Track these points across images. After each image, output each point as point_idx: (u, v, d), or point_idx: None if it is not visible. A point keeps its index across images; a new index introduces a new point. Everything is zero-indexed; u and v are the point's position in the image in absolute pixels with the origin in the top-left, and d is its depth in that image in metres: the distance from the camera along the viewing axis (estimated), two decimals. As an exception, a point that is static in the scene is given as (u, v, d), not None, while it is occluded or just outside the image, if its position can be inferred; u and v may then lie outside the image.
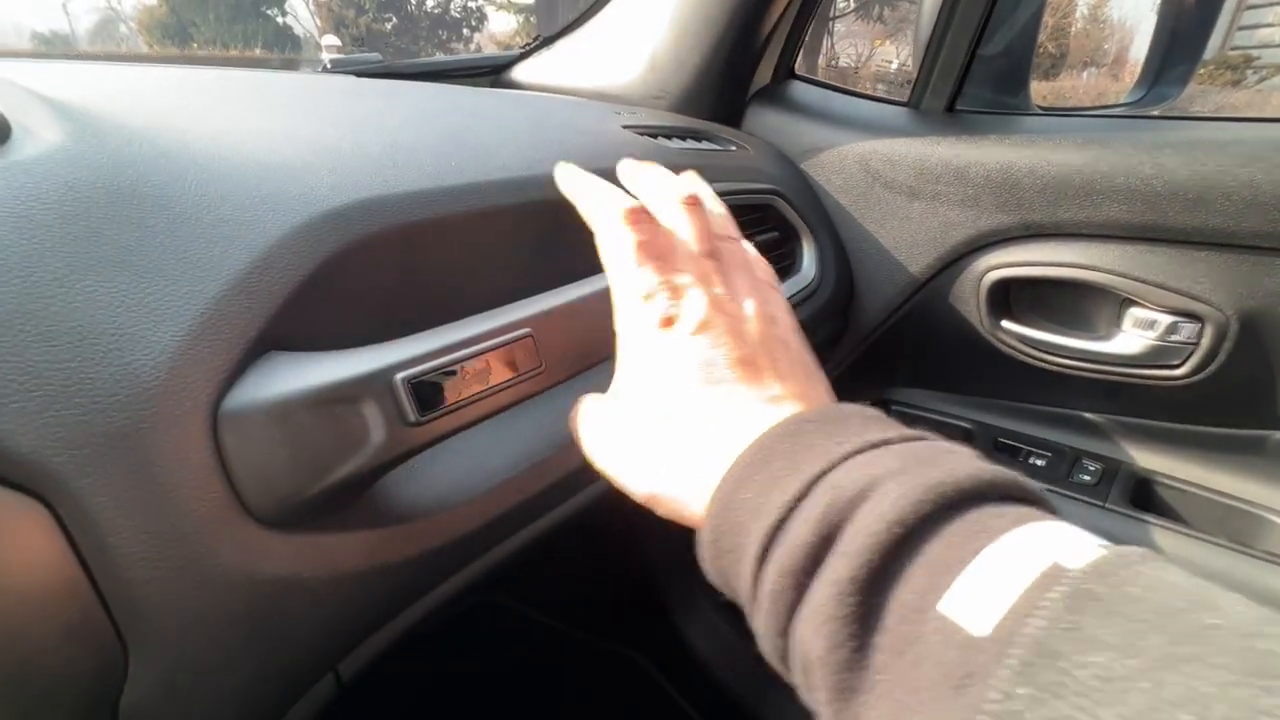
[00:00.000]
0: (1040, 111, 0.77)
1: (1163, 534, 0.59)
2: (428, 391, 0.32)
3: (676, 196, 0.31)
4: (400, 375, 0.31)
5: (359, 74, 0.77)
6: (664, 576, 1.09)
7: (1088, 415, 0.67)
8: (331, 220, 0.34)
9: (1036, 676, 0.13)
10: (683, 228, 0.30)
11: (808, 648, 0.18)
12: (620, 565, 1.10)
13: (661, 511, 0.26)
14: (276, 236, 0.32)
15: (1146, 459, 0.64)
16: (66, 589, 0.22)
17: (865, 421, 0.22)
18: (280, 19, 12.49)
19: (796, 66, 0.84)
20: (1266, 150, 0.51)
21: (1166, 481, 0.63)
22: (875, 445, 0.20)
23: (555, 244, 0.50)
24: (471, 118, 0.57)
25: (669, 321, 0.27)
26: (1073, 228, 0.60)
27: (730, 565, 0.21)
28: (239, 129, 0.40)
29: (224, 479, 0.27)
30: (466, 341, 0.34)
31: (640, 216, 0.29)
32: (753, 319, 0.28)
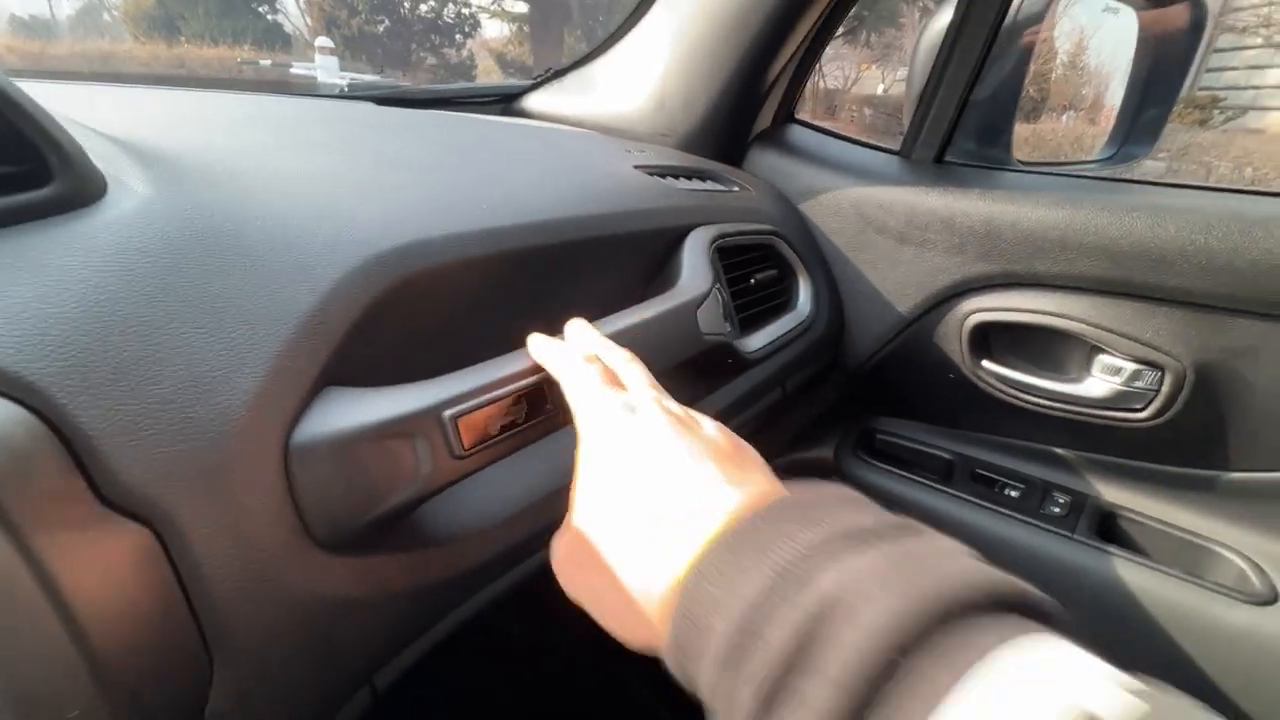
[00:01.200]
0: (1022, 166, 0.82)
1: (1124, 565, 0.64)
2: (471, 426, 0.35)
3: (621, 354, 0.35)
4: (448, 412, 0.34)
5: (379, 100, 0.80)
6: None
7: (1059, 451, 0.72)
8: (381, 262, 0.37)
9: None
10: (631, 372, 0.34)
11: None
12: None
13: (627, 634, 0.26)
14: (336, 278, 0.35)
15: (1112, 494, 0.69)
16: (167, 607, 0.25)
17: (842, 504, 0.20)
18: (271, 16, 12.40)
19: (796, 109, 0.89)
20: (1220, 219, 0.56)
21: (1130, 515, 0.68)
22: (853, 535, 0.19)
23: (581, 280, 0.53)
24: (498, 157, 0.60)
25: (631, 409, 0.28)
26: (1048, 279, 0.65)
27: (692, 667, 0.19)
28: (290, 170, 0.43)
29: (293, 507, 0.30)
30: (502, 380, 0.37)
31: (596, 359, 0.33)
32: (704, 424, 0.29)
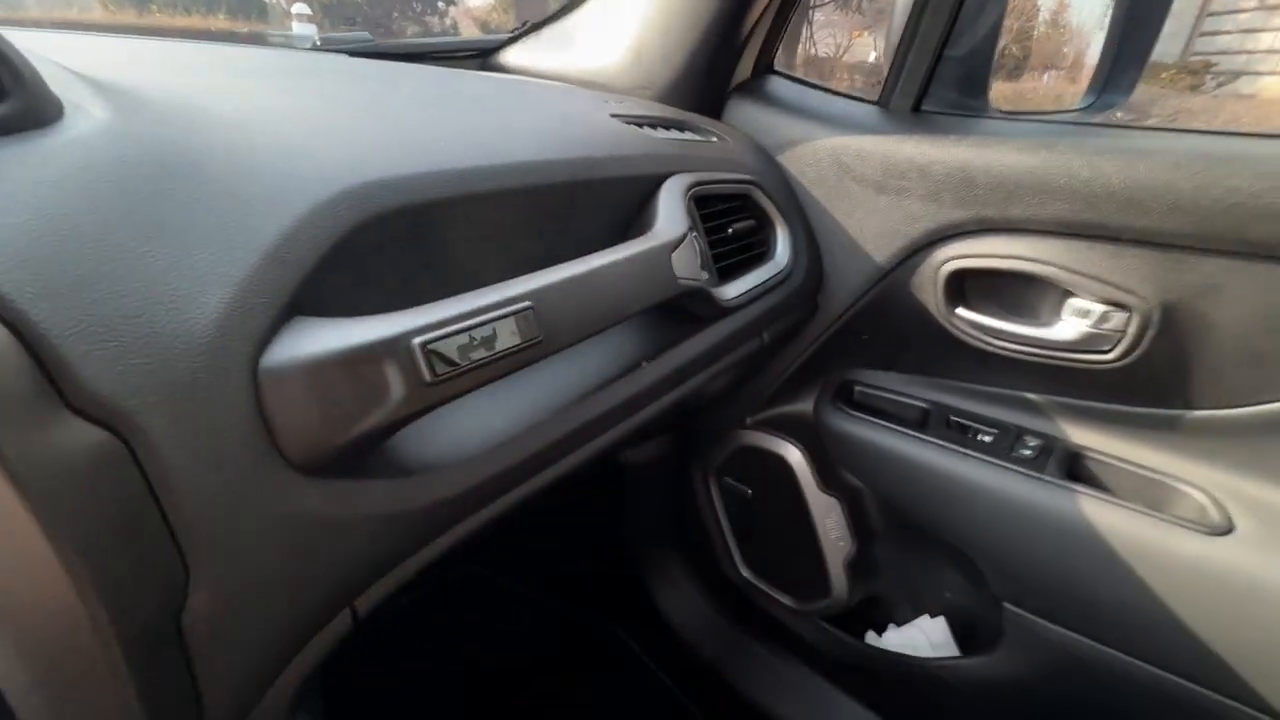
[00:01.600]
0: (999, 114, 0.82)
1: (1089, 502, 0.66)
2: (441, 355, 0.36)
3: None
4: (417, 340, 0.35)
5: (351, 53, 0.78)
6: (641, 551, 1.15)
7: (1030, 395, 0.74)
8: (348, 198, 0.37)
9: None
10: None
11: None
12: (600, 541, 1.15)
13: None
14: (301, 212, 0.35)
15: (1081, 435, 0.71)
16: (139, 514, 0.26)
17: None
18: (245, -16, 12.00)
19: (776, 61, 0.89)
20: (1188, 159, 0.57)
21: (1097, 456, 0.70)
22: None
23: (555, 224, 0.53)
24: (471, 103, 0.59)
25: None
26: (1021, 223, 0.65)
27: None
28: (259, 109, 0.42)
29: (264, 428, 0.30)
30: (475, 311, 0.38)
31: None
32: None
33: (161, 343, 0.27)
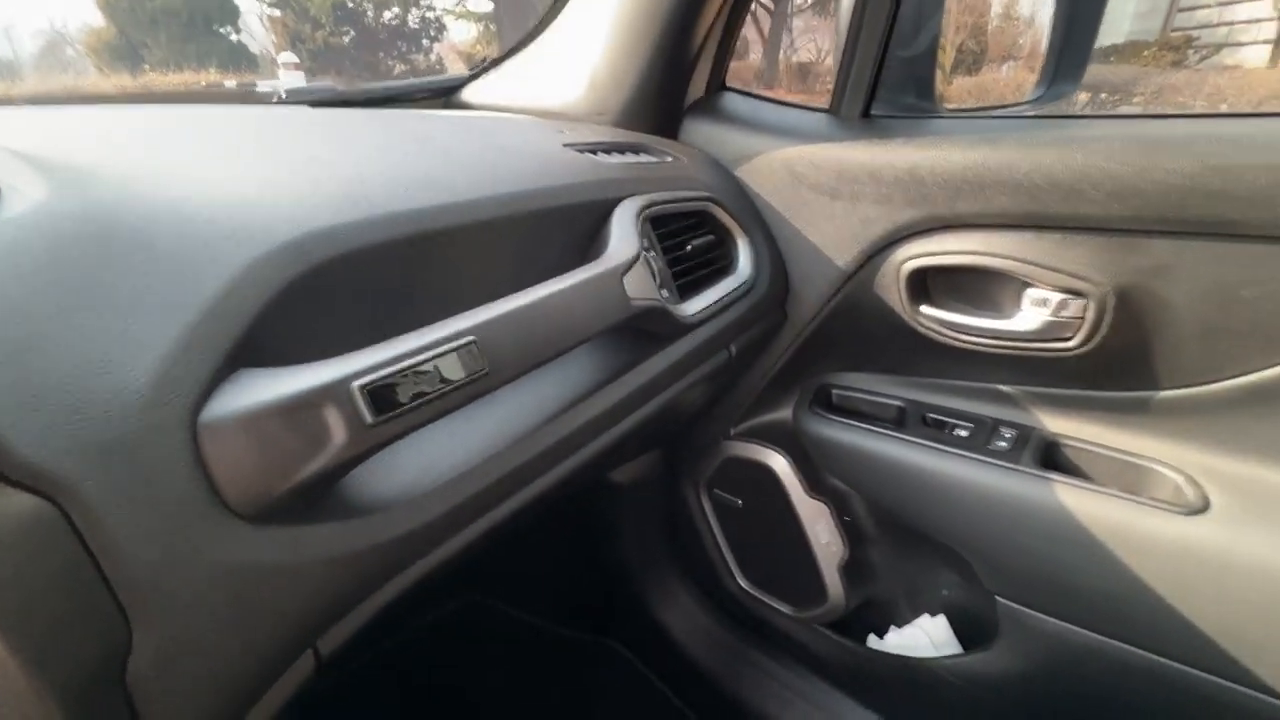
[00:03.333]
0: (947, 113, 0.84)
1: (1067, 490, 0.66)
2: (382, 395, 0.37)
3: None
4: (356, 383, 0.36)
5: (313, 103, 0.81)
6: (639, 569, 1.15)
7: (1001, 387, 0.74)
8: (290, 250, 0.39)
9: None
10: None
11: None
12: (595, 559, 1.15)
13: None
14: (241, 267, 0.36)
15: (1054, 424, 0.71)
16: (76, 576, 0.27)
17: None
18: (234, 36, 12.29)
19: (731, 76, 0.90)
20: (1125, 146, 0.57)
21: (1071, 443, 0.70)
22: None
23: (510, 258, 0.55)
24: (421, 145, 0.61)
25: None
26: (971, 219, 0.66)
27: None
28: (204, 170, 0.44)
29: (205, 481, 0.31)
30: (416, 350, 0.39)
31: None
32: None
33: (95, 407, 0.28)
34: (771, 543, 1.00)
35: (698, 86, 0.87)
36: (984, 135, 0.66)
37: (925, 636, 0.94)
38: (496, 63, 0.95)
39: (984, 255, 0.67)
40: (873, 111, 0.78)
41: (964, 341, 0.72)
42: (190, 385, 0.31)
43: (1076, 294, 0.63)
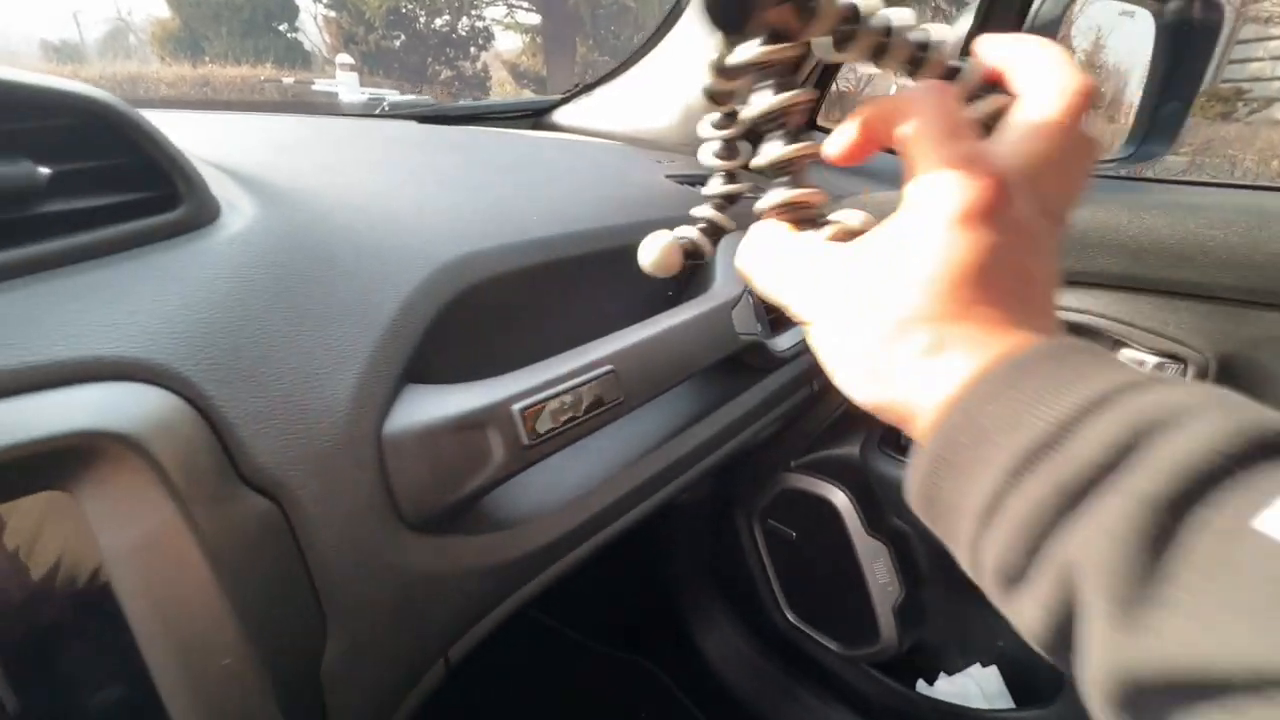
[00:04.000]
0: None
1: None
2: (536, 419, 0.38)
3: (1076, 82, 0.23)
4: (516, 406, 0.38)
5: (420, 119, 0.84)
6: (681, 590, 1.15)
7: None
8: (447, 272, 0.41)
9: None
10: (1069, 120, 0.23)
11: (1082, 557, 0.16)
12: (636, 576, 1.16)
13: (865, 393, 0.23)
14: (413, 286, 0.38)
15: None
16: (290, 573, 0.28)
17: (1122, 365, 0.20)
18: (290, 35, 12.70)
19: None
20: (1239, 216, 0.58)
21: None
22: (1153, 382, 0.18)
23: (617, 289, 0.56)
24: (538, 171, 0.64)
25: (992, 207, 0.21)
26: (1069, 275, 0.67)
27: (953, 478, 0.20)
28: (359, 189, 0.47)
29: (386, 491, 0.33)
30: (564, 376, 0.41)
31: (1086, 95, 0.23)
32: (1053, 248, 0.23)
33: (309, 418, 0.30)
34: (824, 578, 1.00)
35: (788, 124, 0.89)
36: (1087, 194, 0.67)
37: (976, 686, 0.93)
38: (589, 88, 0.98)
39: (1078, 312, 0.67)
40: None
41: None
42: (378, 400, 0.33)
43: (1175, 359, 0.63)
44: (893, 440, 0.88)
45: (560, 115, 0.99)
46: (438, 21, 13.45)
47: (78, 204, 0.28)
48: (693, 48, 0.84)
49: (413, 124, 0.80)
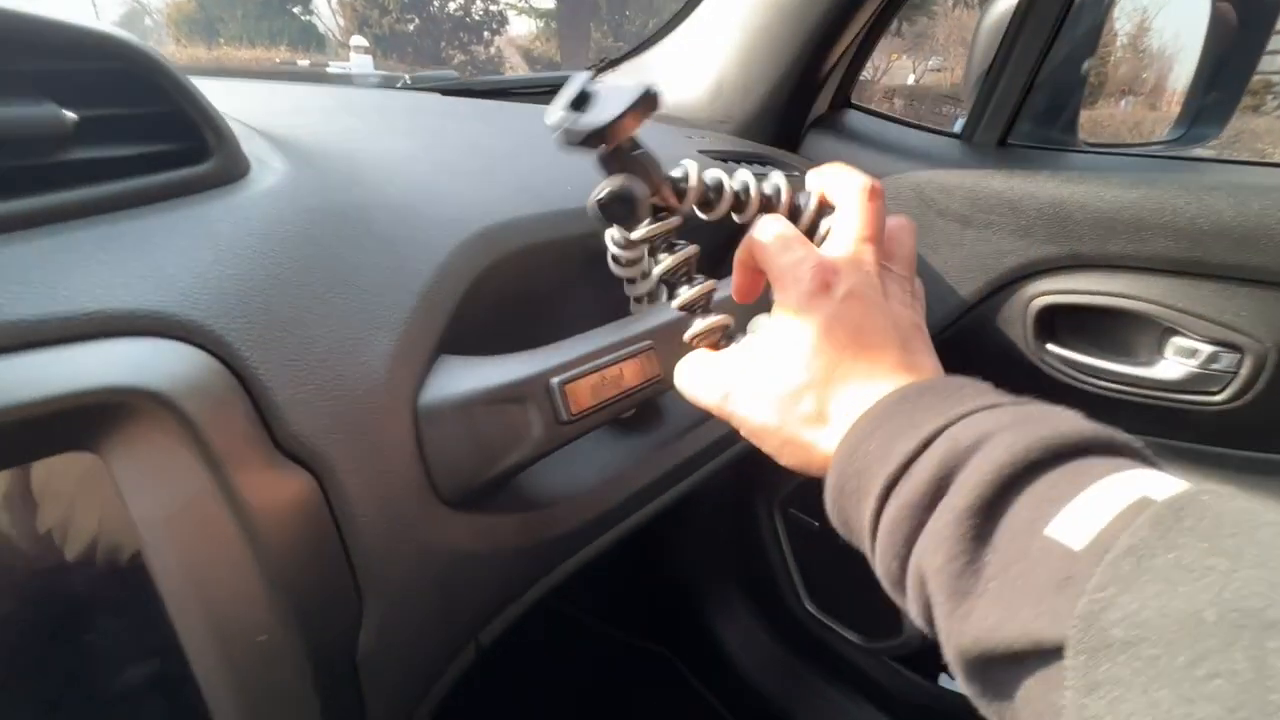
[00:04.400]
0: (1089, 148, 0.81)
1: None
2: (575, 394, 0.37)
3: (865, 186, 0.31)
4: (556, 379, 0.36)
5: (444, 91, 0.82)
6: (700, 579, 1.13)
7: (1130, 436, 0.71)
8: (483, 239, 0.39)
9: (1123, 569, 0.17)
10: (867, 214, 0.30)
11: (925, 562, 0.21)
12: (653, 563, 1.14)
13: (786, 458, 0.29)
14: (447, 253, 0.37)
15: (1190, 481, 0.68)
16: (326, 547, 0.27)
17: (977, 390, 0.25)
18: (305, 18, 12.67)
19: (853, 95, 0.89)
20: None
21: None
22: (987, 408, 0.23)
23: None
24: None
25: (825, 287, 0.27)
26: (1119, 260, 0.64)
27: (852, 505, 0.24)
28: (389, 153, 0.45)
29: (422, 465, 0.32)
30: (603, 350, 0.39)
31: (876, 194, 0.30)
32: (898, 300, 0.30)
33: (345, 385, 0.28)
34: (846, 568, 0.98)
35: (822, 101, 0.86)
36: (1141, 174, 0.63)
37: (1001, 682, 0.91)
38: (615, 63, 0.95)
39: (1127, 298, 0.64)
40: (1010, 141, 0.76)
41: (1092, 385, 0.69)
42: (414, 369, 0.32)
43: (1231, 347, 0.60)
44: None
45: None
46: (451, 5, 13.36)
47: (106, 152, 0.27)
48: (725, 21, 0.81)
49: (436, 96, 0.78)
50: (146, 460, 0.21)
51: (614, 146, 0.30)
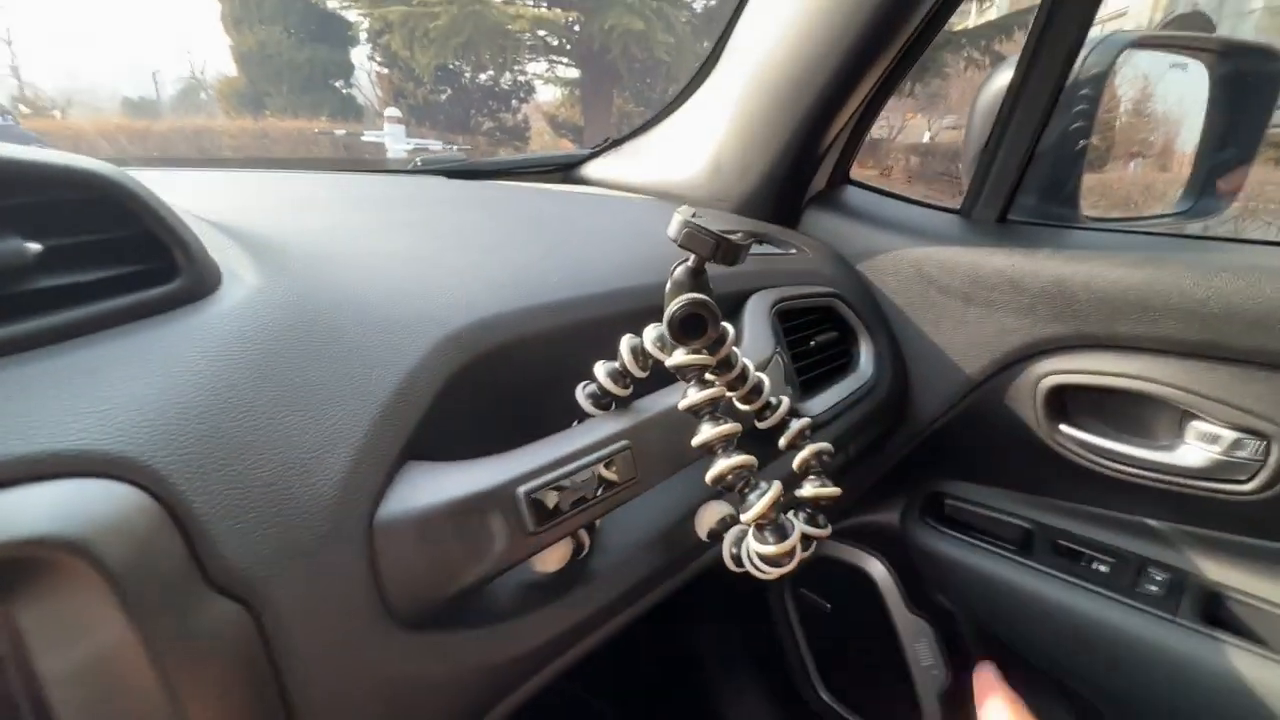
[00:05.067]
0: (1092, 223, 0.80)
1: (1239, 655, 0.58)
2: (543, 502, 0.35)
3: None
4: (521, 489, 0.35)
5: (449, 174, 0.85)
6: (706, 657, 1.08)
7: (1152, 522, 0.67)
8: (458, 339, 0.39)
9: None
10: None
11: None
12: (660, 643, 1.09)
13: None
14: (416, 358, 0.36)
15: (1217, 571, 0.63)
16: (258, 681, 0.26)
17: None
18: (345, 90, 13.50)
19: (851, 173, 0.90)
20: None
21: (1240, 597, 0.62)
22: None
23: None
24: (562, 227, 0.62)
25: None
26: (1129, 341, 0.62)
27: None
28: (375, 251, 0.46)
29: (375, 585, 0.30)
30: (575, 454, 0.38)
31: None
32: None
33: (292, 508, 0.27)
34: (862, 656, 0.92)
35: (821, 178, 0.87)
36: (1147, 253, 0.62)
37: (1035, 788, 0.83)
38: (618, 142, 0.98)
39: (1142, 380, 0.62)
40: (1010, 217, 0.75)
41: (1109, 469, 0.66)
42: (372, 484, 0.31)
43: (1255, 434, 0.57)
44: (935, 510, 0.82)
45: (590, 169, 0.99)
46: (482, 76, 14.12)
47: (73, 278, 0.27)
48: (723, 102, 0.84)
49: (440, 179, 0.81)
50: (58, 613, 0.20)
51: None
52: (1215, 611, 0.62)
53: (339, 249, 0.43)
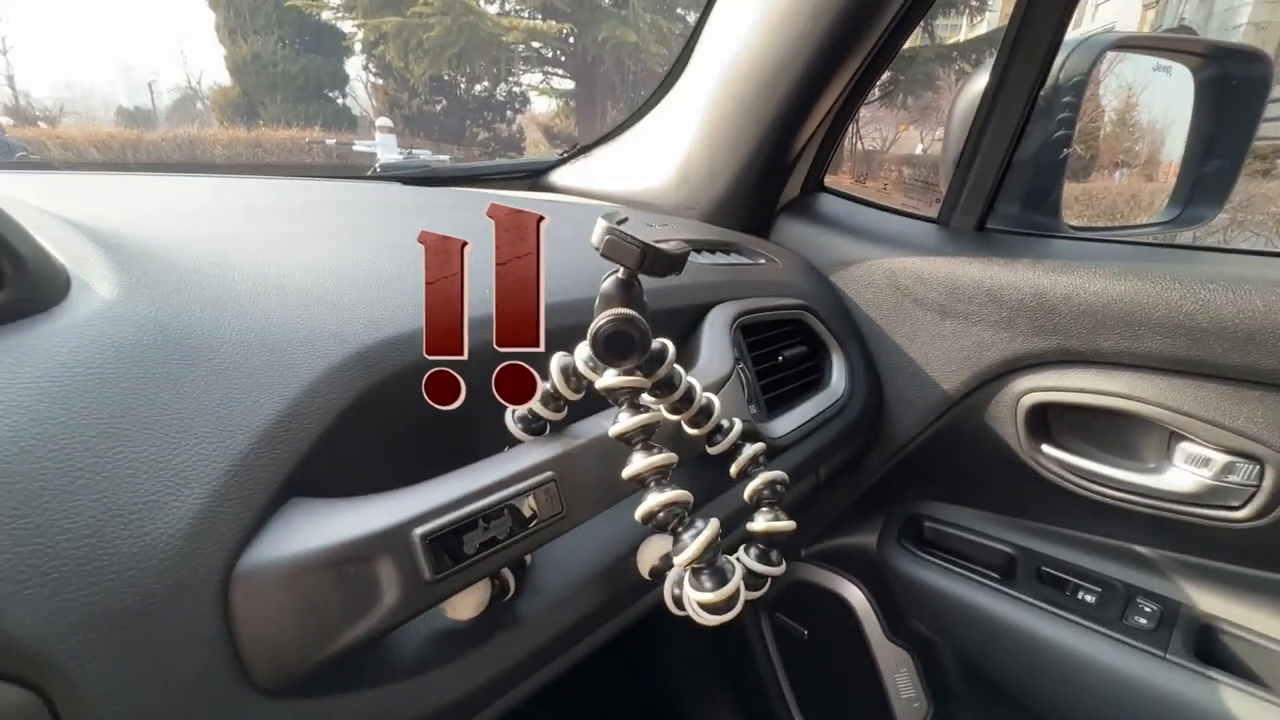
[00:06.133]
0: (1073, 233, 0.77)
1: (1232, 694, 0.54)
2: (445, 545, 0.31)
3: None
4: (418, 531, 0.30)
5: (405, 180, 0.81)
6: (682, 685, 1.03)
7: (1140, 549, 0.63)
8: (363, 359, 0.35)
9: None
10: None
11: None
12: (635, 671, 1.05)
13: None
14: (309, 380, 0.32)
15: (1210, 603, 0.59)
16: None
17: None
18: (340, 100, 13.50)
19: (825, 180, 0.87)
20: None
21: (1234, 630, 0.58)
22: None
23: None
24: None
25: None
26: (1113, 356, 0.58)
27: None
28: (286, 261, 0.41)
29: (229, 649, 0.26)
30: (488, 488, 0.34)
31: None
32: None
33: (113, 564, 0.23)
34: (840, 684, 0.88)
35: (793, 186, 0.83)
36: (1131, 263, 0.58)
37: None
38: (587, 149, 0.94)
39: (1127, 399, 0.58)
40: (988, 225, 0.72)
41: (1095, 492, 0.62)
42: (234, 528, 0.27)
43: (1248, 457, 0.53)
44: (914, 533, 0.78)
45: (557, 176, 0.95)
46: (477, 87, 14.16)
47: None
48: (690, 108, 0.80)
49: (395, 186, 0.77)
50: None
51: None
52: (1208, 646, 0.58)
53: (234, 259, 0.39)
